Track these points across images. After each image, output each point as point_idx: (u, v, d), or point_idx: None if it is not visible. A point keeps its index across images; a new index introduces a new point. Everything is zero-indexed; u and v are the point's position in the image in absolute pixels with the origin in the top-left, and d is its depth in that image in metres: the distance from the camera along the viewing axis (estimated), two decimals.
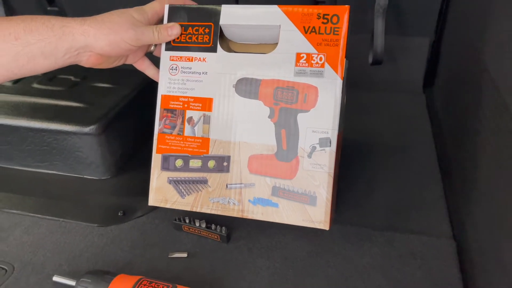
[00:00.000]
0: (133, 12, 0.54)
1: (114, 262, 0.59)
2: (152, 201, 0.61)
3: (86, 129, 0.72)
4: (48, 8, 1.21)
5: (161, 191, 0.61)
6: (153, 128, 0.61)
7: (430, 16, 0.96)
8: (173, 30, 0.58)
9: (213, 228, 0.62)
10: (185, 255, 0.60)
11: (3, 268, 0.60)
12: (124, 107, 0.78)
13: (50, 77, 0.86)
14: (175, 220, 0.64)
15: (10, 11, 1.24)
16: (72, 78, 0.86)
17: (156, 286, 0.50)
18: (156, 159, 0.61)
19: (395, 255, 0.59)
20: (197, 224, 0.62)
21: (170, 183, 0.60)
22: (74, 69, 0.79)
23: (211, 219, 0.62)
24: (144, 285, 0.50)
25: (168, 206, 0.61)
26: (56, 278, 0.56)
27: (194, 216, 0.63)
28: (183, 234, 0.64)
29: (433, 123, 0.90)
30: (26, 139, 0.76)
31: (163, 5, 0.58)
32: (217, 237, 0.62)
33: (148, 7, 0.56)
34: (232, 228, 0.63)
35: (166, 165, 0.60)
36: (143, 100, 0.82)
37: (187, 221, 0.63)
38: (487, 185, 0.54)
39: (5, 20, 0.47)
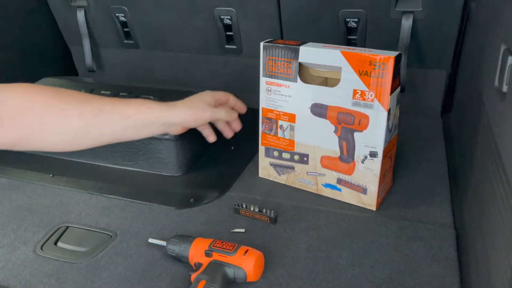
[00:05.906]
0: (208, 97, 0.77)
1: (189, 233, 0.78)
2: (261, 174, 0.93)
3: (167, 135, 0.93)
4: (125, 41, 1.46)
5: (266, 169, 0.91)
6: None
7: (447, 52, 1.10)
8: (243, 108, 0.85)
9: (264, 212, 0.81)
10: (243, 230, 0.79)
11: (109, 234, 0.81)
12: None
13: (135, 97, 1.09)
14: (235, 205, 0.83)
15: (94, 43, 1.49)
16: (151, 97, 1.08)
17: (226, 244, 0.69)
18: (261, 149, 0.90)
19: (405, 237, 0.75)
20: (252, 209, 0.81)
21: (271, 165, 0.90)
22: (151, 91, 1.02)
23: (262, 205, 0.81)
24: (218, 243, 0.69)
25: (271, 179, 0.91)
26: (151, 240, 0.76)
27: (249, 202, 0.82)
28: (240, 217, 0.83)
29: (447, 142, 1.06)
30: (119, 142, 0.98)
31: (227, 96, 0.82)
32: (267, 219, 0.80)
33: (219, 93, 0.81)
34: (278, 213, 0.82)
35: (268, 153, 0.90)
36: None
37: (244, 206, 0.82)
38: (480, 191, 0.69)
39: (125, 103, 0.69)
